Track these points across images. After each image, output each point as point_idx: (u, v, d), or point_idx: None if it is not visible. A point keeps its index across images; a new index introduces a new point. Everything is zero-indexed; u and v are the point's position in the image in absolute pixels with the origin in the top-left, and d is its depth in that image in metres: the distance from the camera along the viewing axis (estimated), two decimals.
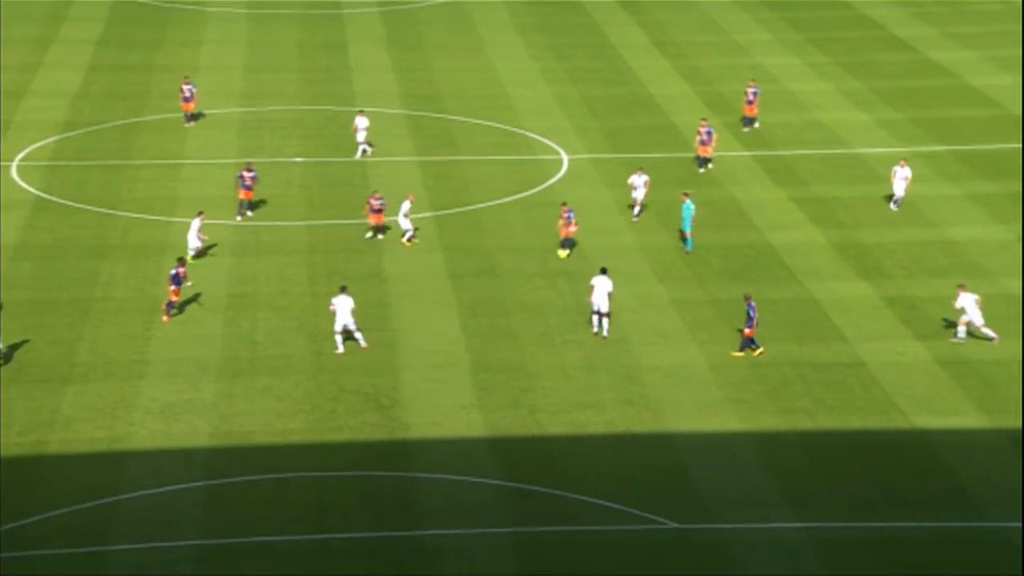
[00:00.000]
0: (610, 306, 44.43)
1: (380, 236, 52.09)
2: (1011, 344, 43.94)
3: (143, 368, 42.63)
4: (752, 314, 42.68)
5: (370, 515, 35.55)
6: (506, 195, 58.09)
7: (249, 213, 54.35)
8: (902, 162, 53.88)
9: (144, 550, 33.81)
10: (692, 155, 61.13)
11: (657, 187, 58.50)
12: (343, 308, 43.23)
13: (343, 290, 43.63)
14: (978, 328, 43.82)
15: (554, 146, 64.27)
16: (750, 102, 65.13)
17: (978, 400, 40.86)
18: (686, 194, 51.87)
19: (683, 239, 51.80)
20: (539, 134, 65.97)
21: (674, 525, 35.01)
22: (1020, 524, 34.57)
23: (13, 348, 42.96)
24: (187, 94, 64.95)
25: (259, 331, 45.00)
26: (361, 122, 61.59)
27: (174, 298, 45.54)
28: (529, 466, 37.81)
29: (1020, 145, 63.47)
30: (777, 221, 55.24)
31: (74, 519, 34.90)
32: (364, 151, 61.70)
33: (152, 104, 69.41)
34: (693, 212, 51.15)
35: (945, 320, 45.11)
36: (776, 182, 59.58)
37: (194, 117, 65.51)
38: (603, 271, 44.96)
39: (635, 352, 44.15)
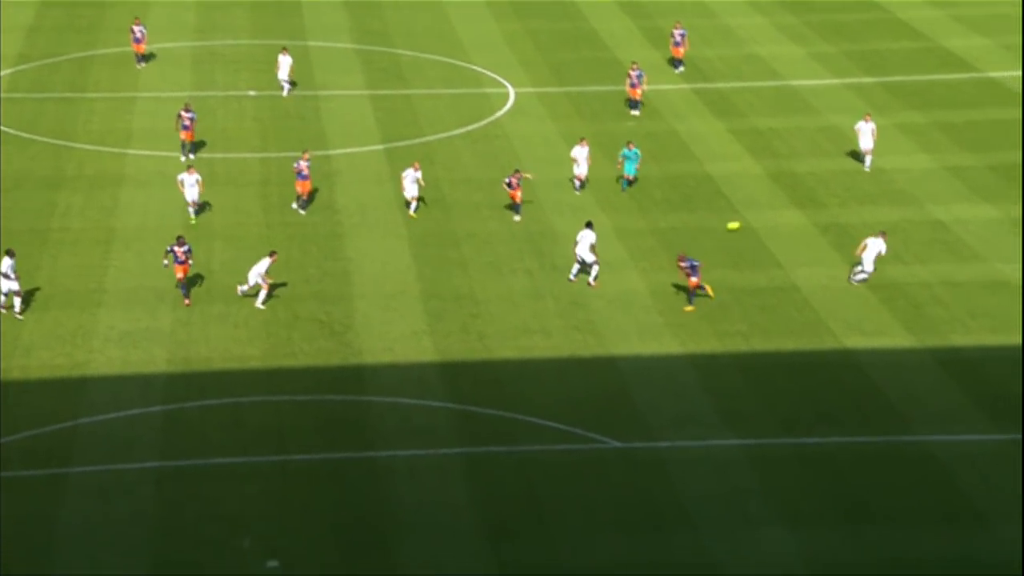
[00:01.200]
0: (594, 257, 43.70)
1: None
2: (936, 267, 44.39)
3: (101, 297, 42.42)
4: (692, 267, 41.73)
5: (325, 438, 35.70)
6: (454, 128, 57.90)
7: (191, 156, 53.30)
8: (867, 116, 53.09)
9: (105, 472, 33.85)
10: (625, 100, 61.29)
11: (600, 119, 58.72)
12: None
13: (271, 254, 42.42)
14: (860, 269, 43.72)
15: (501, 80, 64.02)
16: (677, 43, 64.64)
17: (905, 321, 41.38)
18: (630, 142, 51.19)
19: (620, 179, 51.21)
20: (486, 68, 65.66)
21: (616, 444, 35.37)
22: (944, 437, 35.19)
23: None
24: (138, 35, 63.90)
25: (215, 261, 44.80)
26: (284, 61, 60.59)
27: (180, 276, 42.05)
28: (478, 389, 38.02)
29: (947, 75, 63.96)
30: (716, 152, 55.42)
31: (36, 442, 34.87)
32: (286, 88, 60.76)
33: (105, 38, 68.41)
34: (637, 160, 50.71)
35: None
36: (715, 114, 59.71)
37: (145, 58, 64.55)
38: (588, 225, 44.27)
39: (580, 279, 44.31)
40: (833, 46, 68.85)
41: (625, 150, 50.52)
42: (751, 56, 67.76)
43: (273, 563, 30.69)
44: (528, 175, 48.93)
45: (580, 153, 50.62)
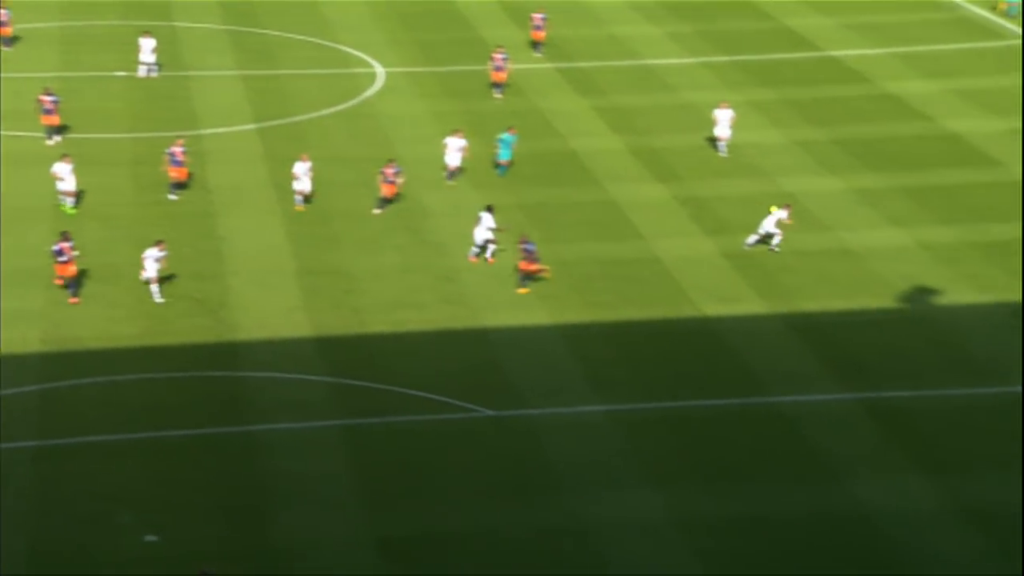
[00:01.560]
0: (493, 237, 43.30)
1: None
2: (786, 236, 45.22)
3: None
4: (529, 250, 41.41)
5: (202, 413, 35.35)
6: (325, 107, 57.51)
7: (57, 138, 52.05)
8: (723, 104, 53.40)
9: None
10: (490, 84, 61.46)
11: (468, 97, 58.74)
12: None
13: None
14: (769, 238, 44.43)
15: (369, 60, 63.68)
16: (537, 27, 64.60)
17: (758, 288, 42.05)
18: (511, 127, 50.39)
19: (497, 166, 50.26)
20: (354, 48, 65.26)
21: (489, 412, 35.57)
22: (795, 398, 35.96)
23: None
24: (3, 18, 62.31)
25: (88, 240, 43.99)
26: (146, 43, 59.39)
27: (63, 275, 40.04)
28: (353, 363, 37.93)
29: (794, 55, 65.10)
30: (579, 129, 55.75)
31: None
32: (148, 71, 59.66)
33: None
34: (514, 144, 49.81)
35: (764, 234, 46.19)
36: (577, 92, 60.04)
37: (10, 41, 62.87)
38: (488, 208, 43.73)
39: (451, 254, 44.38)
40: (688, 26, 69.51)
41: (505, 135, 49.82)
42: (611, 36, 68.19)
43: (152, 538, 30.37)
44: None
45: (454, 143, 49.20)
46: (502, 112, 55.72)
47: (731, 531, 30.65)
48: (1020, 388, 36.14)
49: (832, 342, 38.94)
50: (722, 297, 41.70)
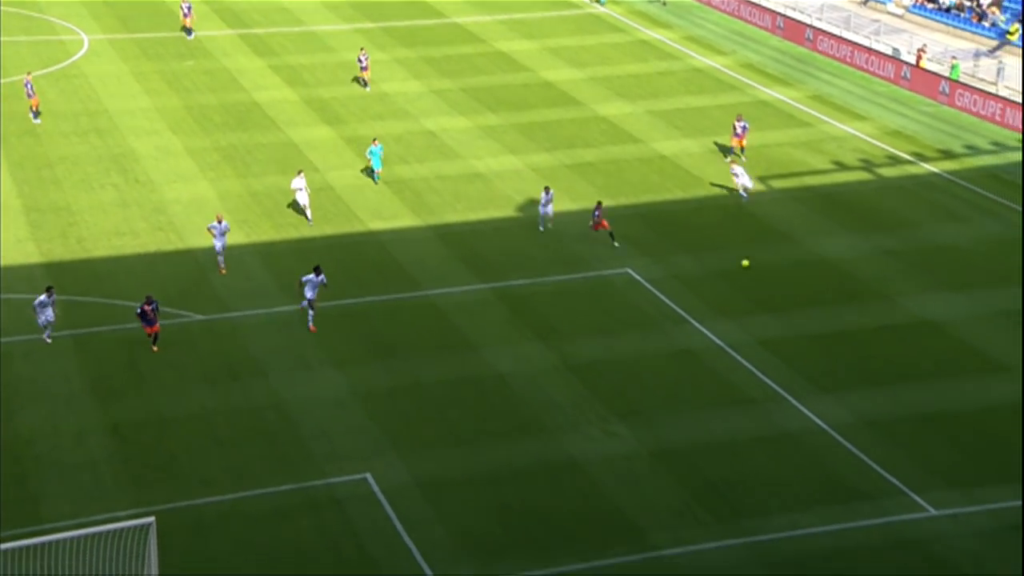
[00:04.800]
0: (308, 201, 40.35)
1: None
2: (430, 164, 45.82)
3: None
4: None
5: None
6: (37, 69, 53.98)
7: None
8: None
9: None
10: (180, 28, 59.56)
11: (163, 59, 56.42)
12: None
13: None
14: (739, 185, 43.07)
15: (75, 28, 60.04)
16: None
17: (411, 207, 42.40)
18: (375, 139, 44.41)
19: (372, 174, 44.13)
20: (60, 19, 61.38)
21: (199, 317, 34.86)
22: (442, 291, 36.81)
23: None
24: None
25: None
26: None
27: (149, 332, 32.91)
28: (80, 283, 36.28)
29: (429, 21, 65.46)
30: (260, 83, 54.50)
31: None
32: None
33: None
34: (381, 154, 43.71)
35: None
36: (256, 53, 58.59)
37: None
38: (300, 172, 40.95)
39: (160, 190, 42.89)
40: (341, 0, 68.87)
41: (372, 147, 43.62)
42: (278, 5, 66.67)
43: None
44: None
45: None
46: (194, 71, 53.99)
47: (394, 396, 31.07)
48: (604, 271, 37.90)
49: (468, 245, 39.69)
50: (383, 215, 41.97)
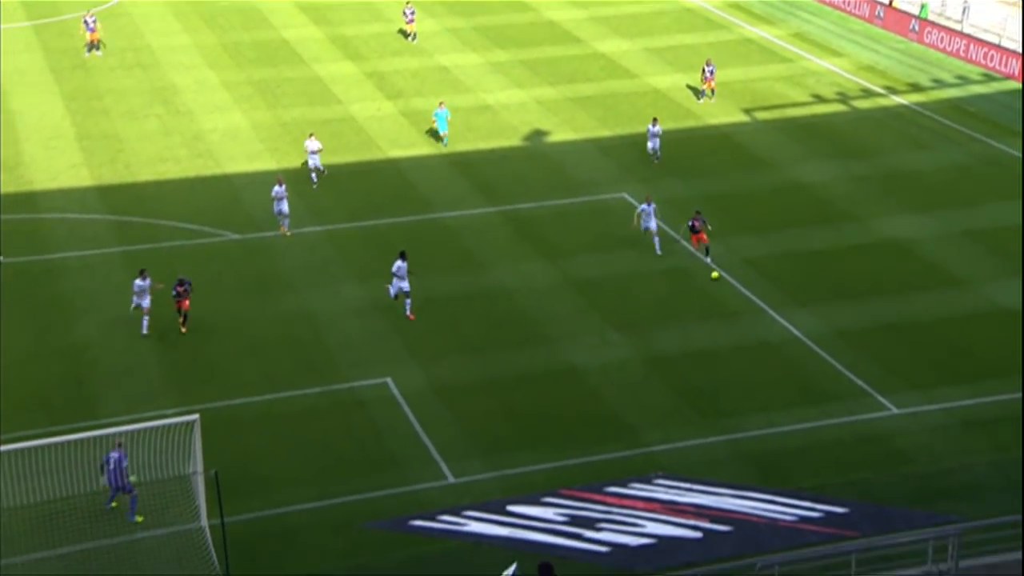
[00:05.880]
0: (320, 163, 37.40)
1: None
2: (443, 99, 45.10)
3: None
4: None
5: (14, 247, 32.92)
6: (85, 10, 52.87)
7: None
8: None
9: None
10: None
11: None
12: None
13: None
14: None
15: None
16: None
17: (426, 136, 41.52)
18: (441, 103, 41.12)
19: (440, 139, 40.76)
20: None
21: (235, 236, 34.53)
22: (454, 213, 36.36)
23: None
24: None
25: None
26: None
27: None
28: (128, 205, 35.95)
29: None
30: (288, 23, 53.35)
31: None
32: None
33: None
34: (448, 117, 40.54)
35: None
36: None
37: None
38: (311, 135, 38.37)
39: (199, 120, 42.30)
40: None
41: (438, 110, 40.37)
42: None
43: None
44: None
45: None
46: (229, 11, 52.84)
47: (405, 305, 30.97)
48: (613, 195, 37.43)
49: (477, 173, 39.05)
50: (400, 144, 41.35)
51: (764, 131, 42.98)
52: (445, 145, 40.07)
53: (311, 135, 37.86)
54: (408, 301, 29.78)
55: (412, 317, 29.75)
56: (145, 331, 28.85)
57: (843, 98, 46.27)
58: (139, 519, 21.84)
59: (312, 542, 22.24)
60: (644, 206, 33.14)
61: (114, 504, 21.86)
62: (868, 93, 46.85)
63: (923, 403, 27.14)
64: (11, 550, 20.53)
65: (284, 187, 33.80)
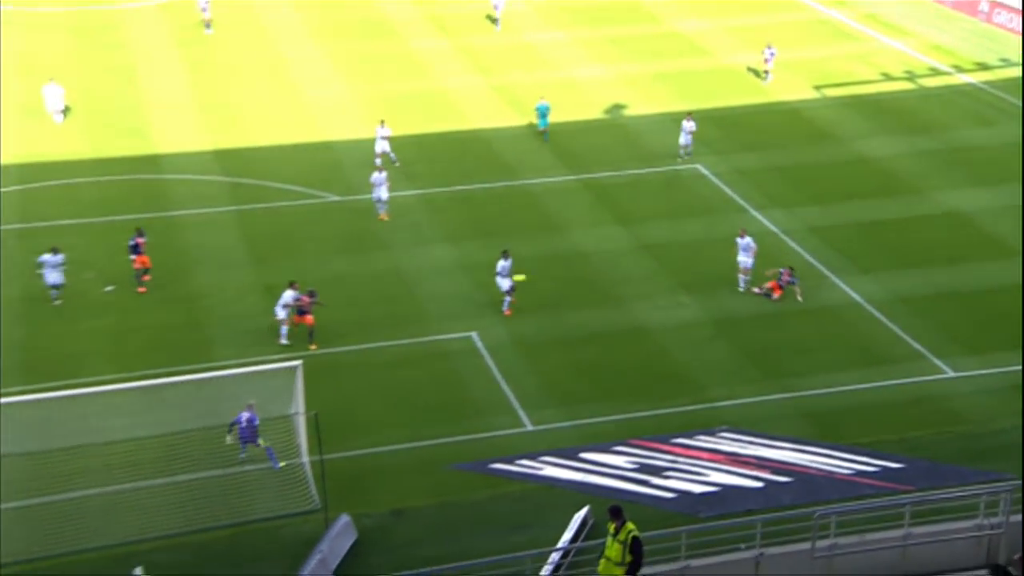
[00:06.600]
0: (389, 148, 35.92)
1: None
2: (531, 75, 44.56)
3: None
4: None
5: (137, 203, 33.72)
6: None
7: None
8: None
9: None
10: None
11: None
12: None
13: None
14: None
15: None
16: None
17: (514, 108, 41.13)
18: (542, 96, 39.23)
19: (542, 133, 38.56)
20: None
21: (336, 198, 34.83)
22: (536, 181, 36.04)
23: None
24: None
25: None
26: None
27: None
28: (240, 167, 36.47)
29: None
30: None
31: None
32: None
33: None
34: (547, 111, 38.35)
35: None
36: None
37: None
38: (382, 122, 36.82)
39: (306, 90, 42.62)
40: None
41: (539, 104, 38.41)
42: None
43: (110, 288, 29.04)
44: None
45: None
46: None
47: (494, 268, 30.09)
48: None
49: (559, 142, 38.48)
50: (488, 116, 40.68)
51: (832, 107, 41.80)
52: (547, 141, 37.64)
53: (382, 122, 36.36)
54: (508, 299, 28.07)
55: (508, 312, 28.07)
56: (284, 340, 26.83)
57: (911, 76, 44.72)
58: (282, 464, 22.19)
59: (399, 480, 22.52)
60: (738, 239, 29.31)
61: (245, 455, 22.33)
62: (935, 72, 45.18)
63: (978, 367, 26.42)
64: (137, 475, 21.21)
65: (384, 174, 32.87)
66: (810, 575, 17.22)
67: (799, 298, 28.76)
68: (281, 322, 26.81)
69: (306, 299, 26.71)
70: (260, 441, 22.09)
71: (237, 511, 20.70)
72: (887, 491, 20.96)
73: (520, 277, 28.07)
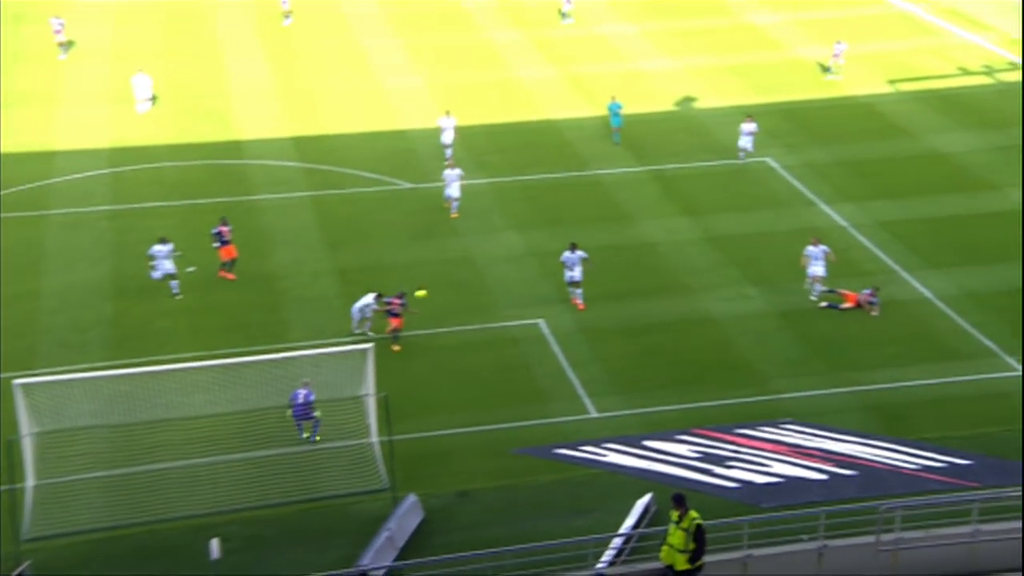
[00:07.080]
0: (452, 140, 35.83)
1: None
2: (600, 66, 44.27)
3: None
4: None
5: (220, 187, 34.20)
6: None
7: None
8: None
9: None
10: None
11: None
12: None
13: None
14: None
15: None
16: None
17: (584, 98, 40.98)
18: (614, 96, 38.36)
19: (614, 132, 37.54)
20: None
21: (407, 184, 35.04)
22: (606, 171, 35.75)
23: None
24: None
25: None
26: None
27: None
28: (317, 154, 36.91)
29: None
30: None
31: None
32: None
33: None
34: (619, 111, 37.34)
35: None
36: None
37: None
38: (447, 112, 36.74)
39: (381, 79, 42.91)
40: None
41: (610, 103, 37.57)
42: None
43: (191, 268, 29.38)
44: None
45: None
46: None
47: (557, 254, 30.68)
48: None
49: (628, 133, 37.92)
50: (559, 105, 40.67)
51: (906, 102, 40.77)
52: (617, 142, 36.76)
53: (447, 112, 36.27)
54: (579, 291, 27.69)
55: (583, 307, 27.58)
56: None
57: (989, 71, 43.34)
58: (318, 438, 22.57)
59: (465, 462, 22.63)
60: (810, 248, 28.10)
61: (306, 434, 22.64)
62: (1014, 67, 43.70)
63: None
64: (215, 450, 21.68)
65: (457, 171, 32.52)
66: (874, 568, 16.89)
67: (874, 313, 27.52)
68: (353, 320, 26.53)
69: (396, 302, 26.33)
70: (316, 413, 22.34)
71: (309, 488, 21.03)
72: (954, 487, 20.44)
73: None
